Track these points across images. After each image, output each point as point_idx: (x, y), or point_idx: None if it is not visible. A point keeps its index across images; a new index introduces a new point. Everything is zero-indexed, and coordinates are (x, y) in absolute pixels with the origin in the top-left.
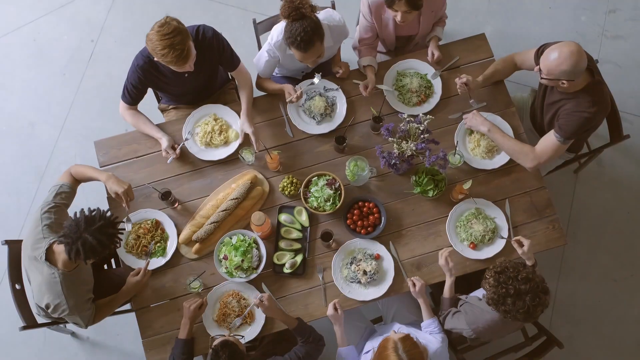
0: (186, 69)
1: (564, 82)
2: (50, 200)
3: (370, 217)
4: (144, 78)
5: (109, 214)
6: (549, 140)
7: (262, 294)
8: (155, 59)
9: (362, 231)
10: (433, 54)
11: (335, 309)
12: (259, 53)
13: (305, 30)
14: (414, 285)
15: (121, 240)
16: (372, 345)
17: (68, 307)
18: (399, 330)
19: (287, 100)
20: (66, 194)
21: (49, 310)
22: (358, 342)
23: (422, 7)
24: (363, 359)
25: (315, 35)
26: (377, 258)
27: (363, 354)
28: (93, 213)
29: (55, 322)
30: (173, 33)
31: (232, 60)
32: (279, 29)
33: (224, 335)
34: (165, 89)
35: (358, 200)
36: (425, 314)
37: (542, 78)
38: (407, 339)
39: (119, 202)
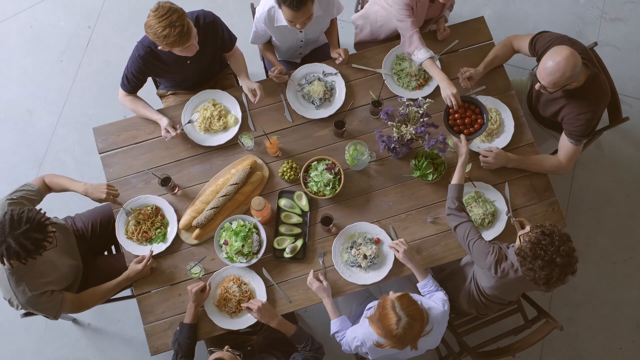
0: (192, 49)
1: (571, 84)
2: (8, 196)
3: (475, 125)
4: (145, 67)
5: (38, 215)
6: (569, 147)
7: (252, 300)
8: (159, 47)
9: (465, 131)
10: (444, 30)
11: (320, 280)
12: None
13: None
14: (397, 251)
15: (50, 243)
16: (374, 303)
17: (20, 303)
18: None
19: (271, 74)
20: (29, 193)
21: (11, 305)
22: (357, 307)
23: None
24: (366, 314)
25: None
26: (378, 242)
27: (366, 310)
28: (21, 214)
29: None
30: (169, 12)
31: (231, 41)
32: (263, 2)
33: (220, 350)
34: (167, 77)
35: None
36: (419, 275)
37: (550, 93)
38: (404, 297)
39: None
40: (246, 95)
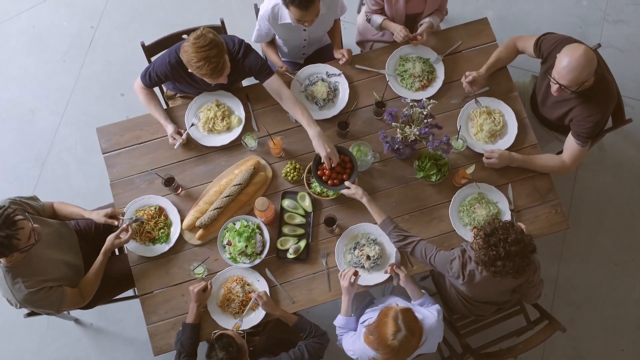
0: (220, 82)
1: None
2: (14, 197)
3: (344, 175)
4: (170, 75)
5: (6, 212)
6: (574, 148)
7: (258, 291)
8: (189, 70)
9: (330, 182)
10: (422, 37)
11: (352, 282)
12: None
13: None
14: (397, 275)
15: (19, 240)
16: (369, 315)
17: (17, 301)
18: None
19: (279, 70)
20: (34, 203)
21: (10, 304)
22: (357, 308)
23: None
24: (360, 328)
25: None
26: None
27: (360, 323)
28: None
29: None
30: (209, 46)
31: (261, 74)
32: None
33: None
34: (186, 87)
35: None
36: (417, 295)
37: (571, 92)
38: (408, 311)
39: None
40: (247, 97)
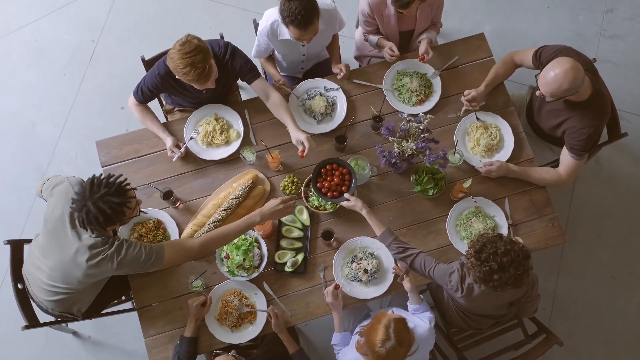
0: (208, 86)
1: (570, 96)
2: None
3: (343, 187)
4: (161, 86)
5: (118, 180)
6: (569, 161)
7: (276, 310)
8: (177, 77)
9: (329, 194)
10: (427, 53)
11: (335, 297)
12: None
13: (305, 8)
14: (410, 281)
15: (129, 208)
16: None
17: (118, 256)
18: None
19: (276, 84)
20: None
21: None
22: (354, 322)
23: None
24: (354, 338)
25: (314, 12)
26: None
27: (354, 334)
28: (101, 179)
29: (57, 322)
30: (194, 52)
31: (248, 75)
32: (266, 16)
33: (226, 354)
34: (180, 98)
35: (332, 162)
36: (416, 300)
37: (548, 102)
38: (401, 322)
39: None
40: (246, 111)
